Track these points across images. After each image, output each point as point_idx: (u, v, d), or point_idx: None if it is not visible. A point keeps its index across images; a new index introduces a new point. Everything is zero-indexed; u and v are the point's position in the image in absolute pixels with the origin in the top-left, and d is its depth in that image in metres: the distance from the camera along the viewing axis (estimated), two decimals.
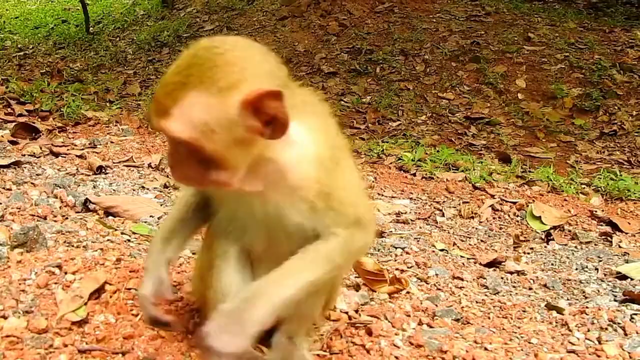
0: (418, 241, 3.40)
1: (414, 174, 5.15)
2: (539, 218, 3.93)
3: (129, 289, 2.08)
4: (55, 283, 2.05)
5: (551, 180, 5.16)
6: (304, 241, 1.60)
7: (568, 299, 2.70)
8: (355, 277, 2.55)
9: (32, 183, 3.41)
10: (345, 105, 8.19)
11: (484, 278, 2.86)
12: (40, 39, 11.81)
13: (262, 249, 1.72)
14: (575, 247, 3.58)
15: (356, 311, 2.19)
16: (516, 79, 8.48)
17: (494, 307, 2.53)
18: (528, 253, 3.44)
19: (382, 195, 4.27)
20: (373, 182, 4.57)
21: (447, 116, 7.92)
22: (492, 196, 4.38)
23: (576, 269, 3.15)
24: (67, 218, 2.91)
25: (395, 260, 2.99)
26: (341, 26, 10.16)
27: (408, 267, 2.87)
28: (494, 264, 3.14)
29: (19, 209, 2.91)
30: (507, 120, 7.77)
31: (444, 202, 4.27)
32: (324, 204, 1.57)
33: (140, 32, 11.46)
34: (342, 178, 1.63)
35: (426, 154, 6.11)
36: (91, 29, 12.07)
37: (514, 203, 4.23)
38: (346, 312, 2.17)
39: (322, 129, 1.64)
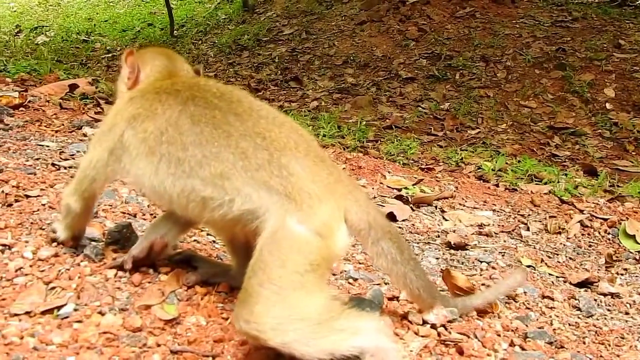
0: (503, 256, 3.29)
1: (497, 185, 5.01)
2: (632, 237, 3.72)
3: (219, 292, 2.11)
4: (149, 282, 2.10)
5: None
6: None
7: None
8: (443, 291, 2.49)
9: (121, 181, 3.52)
10: (422, 111, 8.09)
11: (576, 299, 2.73)
12: (127, 41, 12.30)
13: None
14: None
15: (445, 327, 2.13)
16: (604, 87, 8.13)
17: (588, 331, 2.40)
18: (622, 274, 3.26)
19: (464, 205, 4.16)
20: (454, 191, 4.46)
21: (529, 125, 7.68)
22: (581, 211, 4.18)
23: None
24: (155, 217, 2.98)
25: (481, 275, 2.90)
26: (420, 31, 10.05)
27: (495, 283, 2.78)
28: (585, 284, 2.99)
29: (111, 206, 2.99)
30: (593, 131, 7.46)
31: (529, 215, 4.12)
32: None
33: (222, 36, 11.73)
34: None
35: (507, 163, 5.93)
36: (175, 32, 12.46)
37: (605, 220, 4.02)
38: (435, 328, 2.11)
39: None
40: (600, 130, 7.42)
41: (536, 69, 8.72)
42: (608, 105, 7.83)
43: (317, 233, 1.73)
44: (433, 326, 2.10)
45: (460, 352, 1.98)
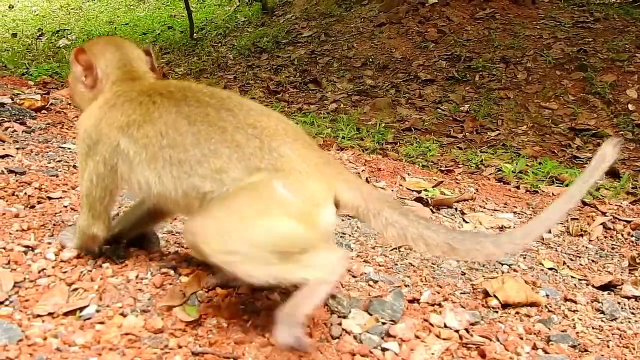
0: (524, 258, 3.25)
1: (517, 187, 4.96)
2: None
3: (240, 294, 2.11)
4: (170, 284, 2.11)
5: None
6: None
7: None
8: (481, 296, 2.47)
9: None
10: (442, 113, 8.05)
11: (599, 302, 2.69)
12: (148, 44, 12.40)
13: None
14: None
15: (467, 330, 2.11)
16: (627, 88, 8.03)
17: (612, 334, 2.37)
18: None
19: (484, 207, 4.13)
20: (475, 193, 4.43)
21: (550, 127, 7.61)
22: (604, 213, 4.13)
23: None
24: (176, 219, 3.00)
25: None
26: (440, 33, 10.00)
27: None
28: (608, 287, 2.94)
29: None
30: (615, 132, 7.36)
31: None
32: None
33: (241, 38, 11.78)
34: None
35: (527, 165, 5.88)
36: (195, 35, 12.54)
37: (628, 222, 3.96)
38: (456, 331, 2.09)
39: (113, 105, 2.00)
40: (622, 132, 7.32)
41: (557, 70, 8.64)
42: (630, 107, 7.74)
43: (302, 201, 1.75)
44: (455, 329, 2.09)
45: (483, 355, 1.96)
